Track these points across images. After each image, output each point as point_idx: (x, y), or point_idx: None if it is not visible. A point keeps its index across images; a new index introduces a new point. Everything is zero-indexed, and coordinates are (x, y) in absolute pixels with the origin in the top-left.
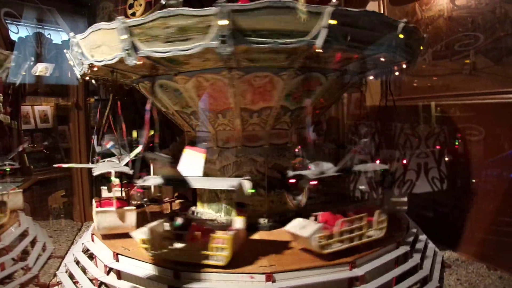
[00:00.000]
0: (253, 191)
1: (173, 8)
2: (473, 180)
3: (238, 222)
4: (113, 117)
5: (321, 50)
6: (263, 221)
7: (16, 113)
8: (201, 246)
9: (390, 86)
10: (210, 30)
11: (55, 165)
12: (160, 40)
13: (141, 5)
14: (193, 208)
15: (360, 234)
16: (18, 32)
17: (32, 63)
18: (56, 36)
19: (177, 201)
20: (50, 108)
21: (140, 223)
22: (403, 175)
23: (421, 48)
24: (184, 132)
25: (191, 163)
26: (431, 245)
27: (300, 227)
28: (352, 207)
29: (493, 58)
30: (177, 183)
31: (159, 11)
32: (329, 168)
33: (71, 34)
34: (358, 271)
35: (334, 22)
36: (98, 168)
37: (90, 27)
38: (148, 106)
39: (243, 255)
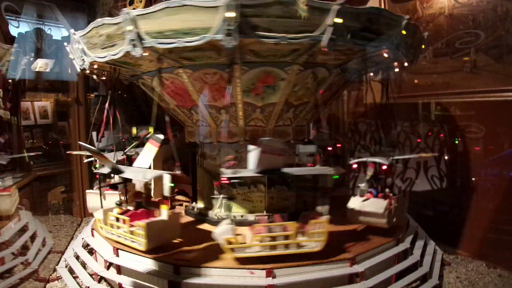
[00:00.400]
0: (172, 185)
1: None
2: (473, 179)
3: (163, 213)
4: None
5: (225, 45)
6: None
7: (16, 108)
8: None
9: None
10: (125, 35)
11: (68, 152)
12: (98, 47)
13: (141, 1)
14: (193, 204)
15: (286, 243)
16: (19, 26)
17: (32, 58)
18: (56, 32)
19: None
20: (49, 104)
21: None
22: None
23: (404, 32)
24: (184, 128)
25: (146, 155)
26: (431, 242)
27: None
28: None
29: (494, 56)
30: (112, 171)
31: (92, 22)
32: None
33: (65, 43)
34: (358, 268)
35: (232, 14)
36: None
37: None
38: (107, 105)
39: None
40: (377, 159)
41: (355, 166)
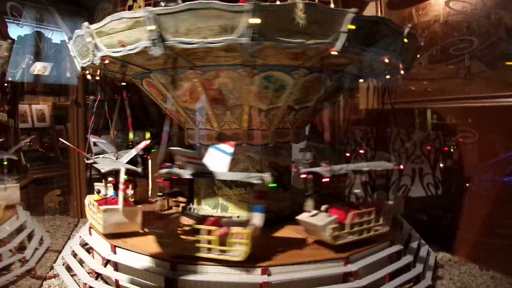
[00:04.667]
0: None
1: None
2: (467, 184)
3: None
4: (110, 116)
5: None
6: None
7: (13, 111)
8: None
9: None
10: None
11: (60, 139)
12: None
13: (140, 7)
14: (190, 205)
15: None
16: (23, 27)
17: (30, 61)
18: (56, 35)
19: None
20: (47, 108)
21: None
22: (398, 180)
23: (405, 41)
24: (184, 129)
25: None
26: (424, 245)
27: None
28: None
29: (488, 63)
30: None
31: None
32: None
33: (66, 41)
34: (352, 267)
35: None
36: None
37: None
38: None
39: None
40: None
41: None
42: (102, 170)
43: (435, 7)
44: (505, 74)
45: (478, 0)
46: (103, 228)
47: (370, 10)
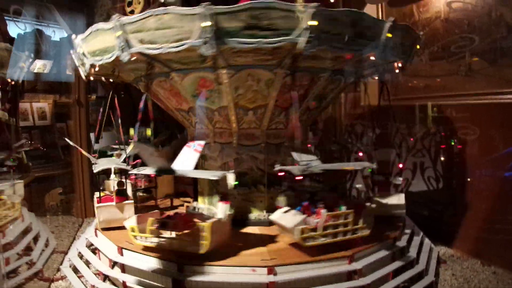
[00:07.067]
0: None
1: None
2: (468, 179)
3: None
4: (112, 114)
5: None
6: (263, 216)
7: (14, 110)
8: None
9: (387, 87)
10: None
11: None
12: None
13: (139, 2)
14: (194, 203)
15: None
16: (26, 28)
17: (31, 59)
18: (55, 33)
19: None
20: (48, 106)
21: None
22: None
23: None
24: (185, 129)
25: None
26: (427, 241)
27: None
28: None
29: (489, 60)
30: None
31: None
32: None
33: (73, 36)
34: (357, 265)
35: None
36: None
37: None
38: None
39: (245, 249)
40: None
41: None
42: (94, 170)
43: (436, 3)
44: (506, 71)
45: None
46: (98, 223)
47: (371, 8)
